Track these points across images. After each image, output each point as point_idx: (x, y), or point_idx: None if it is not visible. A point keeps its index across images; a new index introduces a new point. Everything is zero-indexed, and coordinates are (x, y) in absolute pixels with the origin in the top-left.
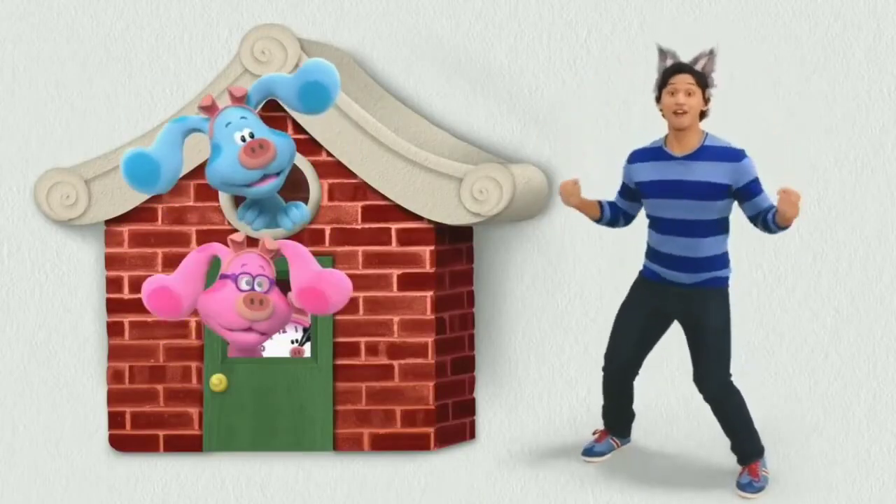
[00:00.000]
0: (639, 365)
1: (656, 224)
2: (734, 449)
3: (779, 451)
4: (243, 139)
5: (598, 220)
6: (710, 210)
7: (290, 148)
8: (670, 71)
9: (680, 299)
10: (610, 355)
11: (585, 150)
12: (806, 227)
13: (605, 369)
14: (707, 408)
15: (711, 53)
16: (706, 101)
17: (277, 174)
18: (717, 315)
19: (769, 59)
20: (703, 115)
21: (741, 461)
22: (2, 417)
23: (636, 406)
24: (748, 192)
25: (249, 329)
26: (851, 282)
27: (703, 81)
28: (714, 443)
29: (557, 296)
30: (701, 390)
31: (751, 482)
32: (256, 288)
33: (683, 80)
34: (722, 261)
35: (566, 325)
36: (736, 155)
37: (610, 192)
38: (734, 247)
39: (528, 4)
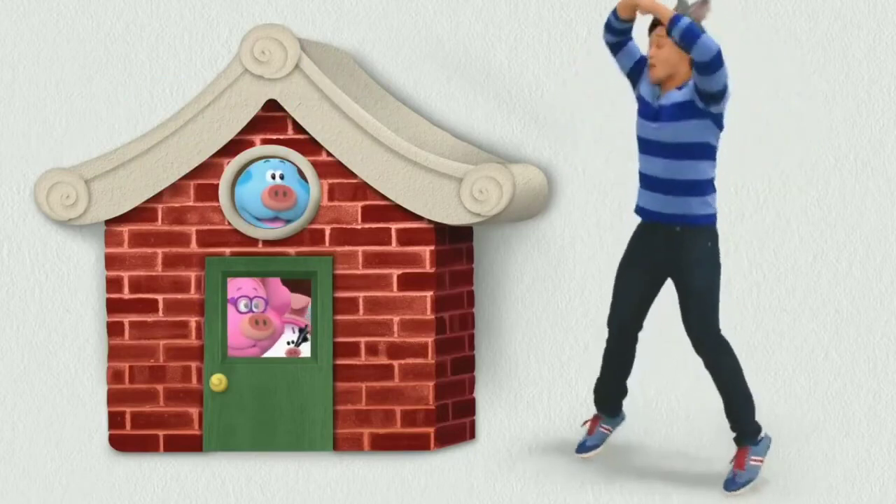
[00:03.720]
0: (640, 323)
1: (641, 144)
2: (733, 426)
3: (779, 451)
4: (273, 177)
5: (619, 22)
6: (682, 132)
7: (307, 201)
8: (651, 26)
9: (668, 242)
10: (612, 315)
11: (585, 150)
12: (806, 227)
13: (609, 324)
14: (708, 408)
15: (705, 1)
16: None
17: (288, 220)
18: (703, 259)
19: (769, 59)
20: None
21: (737, 441)
22: (2, 417)
23: (634, 403)
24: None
25: (254, 346)
26: (851, 282)
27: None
28: (714, 443)
29: (557, 296)
30: (692, 341)
31: (732, 478)
32: (254, 309)
33: (655, 34)
34: (703, 187)
35: (566, 325)
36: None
37: (610, 191)
38: (734, 247)
39: (528, 4)
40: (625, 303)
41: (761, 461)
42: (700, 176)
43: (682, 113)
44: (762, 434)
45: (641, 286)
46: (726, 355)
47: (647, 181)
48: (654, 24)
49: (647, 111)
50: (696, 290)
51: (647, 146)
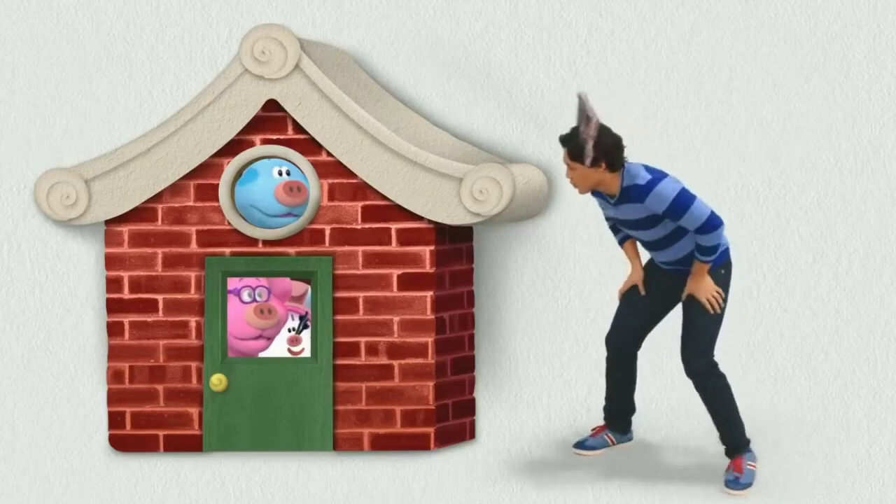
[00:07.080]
0: (639, 343)
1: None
2: (721, 439)
3: (779, 451)
4: (280, 174)
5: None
6: (658, 230)
7: (316, 196)
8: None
9: (683, 280)
10: (610, 333)
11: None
12: (806, 227)
13: (606, 342)
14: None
15: (580, 110)
16: (594, 166)
17: (297, 215)
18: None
19: (769, 59)
20: (615, 167)
21: (728, 453)
22: (2, 417)
23: (637, 404)
24: (672, 217)
25: (259, 337)
26: (851, 282)
27: (574, 155)
28: (713, 443)
29: (557, 296)
30: (684, 364)
31: (736, 479)
32: (258, 298)
33: (565, 155)
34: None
35: (566, 325)
36: (642, 191)
37: None
38: (734, 247)
39: (528, 4)
40: (626, 322)
41: (755, 466)
42: (691, 247)
43: (645, 223)
44: (750, 444)
45: (648, 306)
46: (715, 377)
47: (662, 264)
48: (561, 142)
49: (618, 222)
50: (699, 320)
51: (640, 243)
